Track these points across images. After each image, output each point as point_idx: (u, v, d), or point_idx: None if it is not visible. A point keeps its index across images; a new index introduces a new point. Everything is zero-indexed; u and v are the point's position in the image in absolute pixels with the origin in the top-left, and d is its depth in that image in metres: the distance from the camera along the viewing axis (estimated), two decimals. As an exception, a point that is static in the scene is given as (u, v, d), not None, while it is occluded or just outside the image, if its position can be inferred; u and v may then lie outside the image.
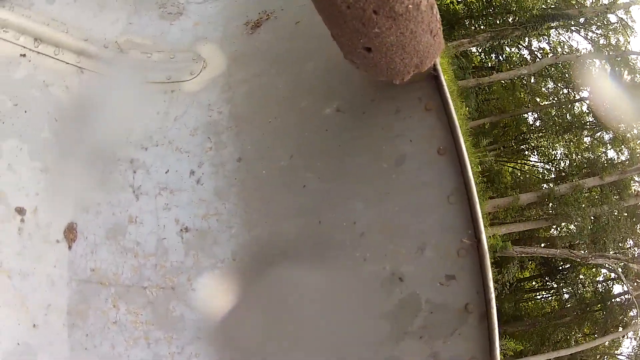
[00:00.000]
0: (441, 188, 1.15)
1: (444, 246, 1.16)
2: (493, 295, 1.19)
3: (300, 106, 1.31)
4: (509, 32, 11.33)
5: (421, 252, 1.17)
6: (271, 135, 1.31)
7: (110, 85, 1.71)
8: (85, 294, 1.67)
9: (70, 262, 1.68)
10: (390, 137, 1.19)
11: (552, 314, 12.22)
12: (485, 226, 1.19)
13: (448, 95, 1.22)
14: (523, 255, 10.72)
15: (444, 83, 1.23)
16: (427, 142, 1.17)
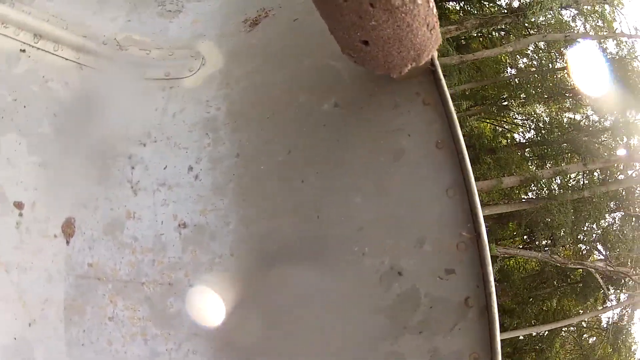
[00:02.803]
0: (440, 182, 1.15)
1: (443, 240, 1.16)
2: (493, 289, 1.19)
3: (298, 102, 1.31)
4: (499, 19, 10.82)
5: (420, 246, 1.17)
6: (269, 131, 1.31)
7: (109, 82, 1.71)
8: (82, 290, 1.67)
9: (67, 257, 1.68)
10: (388, 131, 1.19)
11: (532, 282, 11.92)
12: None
13: (446, 89, 1.22)
14: (506, 257, 10.67)
15: (442, 77, 1.23)
16: (425, 136, 1.17)
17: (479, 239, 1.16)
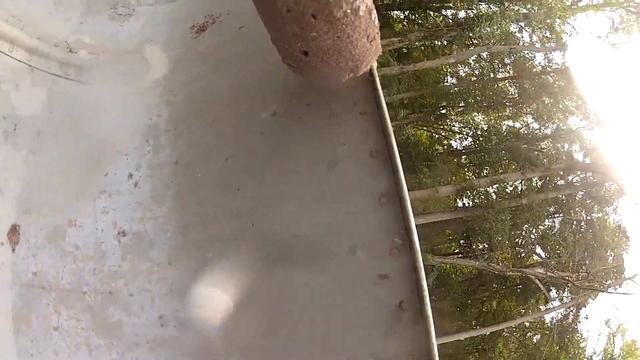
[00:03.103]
0: (373, 189, 1.17)
1: (376, 246, 1.18)
2: (427, 293, 1.21)
3: (239, 110, 1.31)
4: (443, 32, 10.65)
5: (353, 253, 1.18)
6: (208, 138, 1.31)
7: (55, 85, 1.68)
8: (27, 298, 1.62)
9: (13, 265, 1.63)
10: (324, 140, 1.21)
11: (471, 286, 11.90)
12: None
13: (383, 99, 1.24)
14: (442, 264, 10.59)
15: (379, 88, 1.25)
16: (360, 145, 1.19)
17: (411, 246, 1.18)
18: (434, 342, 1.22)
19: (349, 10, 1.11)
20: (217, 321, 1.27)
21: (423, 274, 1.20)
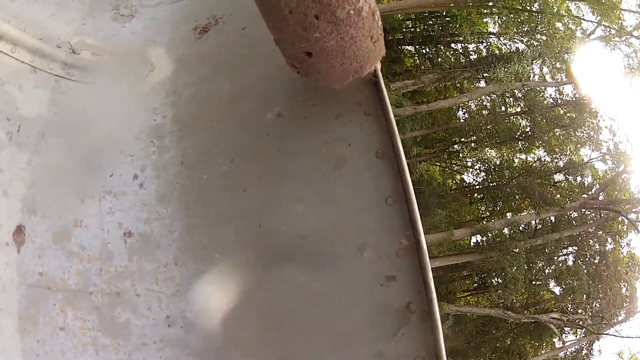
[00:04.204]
0: (379, 190, 1.17)
1: (383, 247, 1.18)
2: (434, 294, 1.22)
3: (243, 111, 1.31)
4: (457, 73, 10.66)
5: (360, 254, 1.19)
6: (213, 139, 1.31)
7: (58, 86, 1.68)
8: (34, 299, 1.63)
9: (19, 266, 1.64)
10: (330, 141, 1.21)
11: (485, 325, 11.80)
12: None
13: (387, 100, 1.24)
14: (458, 312, 10.43)
15: (384, 89, 1.25)
16: (365, 146, 1.19)
17: (418, 246, 1.18)
18: (442, 343, 1.23)
19: (352, 11, 1.11)
20: (224, 322, 1.28)
21: (430, 274, 1.20)
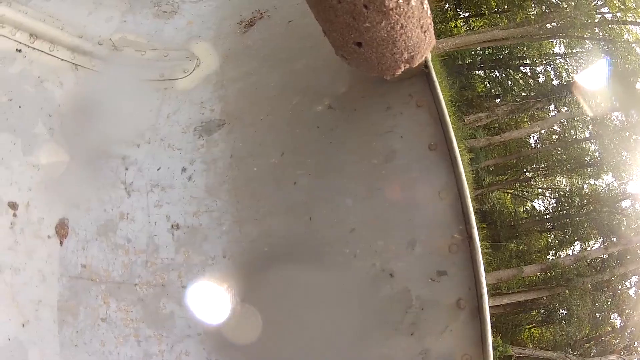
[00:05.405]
0: (432, 184, 1.15)
1: (434, 242, 1.16)
2: (485, 291, 1.19)
3: (292, 103, 1.31)
4: (530, 104, 10.59)
5: (412, 248, 1.17)
6: (262, 132, 1.31)
7: (103, 83, 1.71)
8: (75, 290, 1.66)
9: (61, 258, 1.67)
10: (380, 133, 1.20)
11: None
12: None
13: (439, 91, 1.22)
14: (521, 355, 10.28)
15: (435, 79, 1.23)
16: (417, 138, 1.18)
17: (471, 242, 1.16)
18: (490, 342, 1.19)
19: (401, 0, 1.09)
20: (270, 316, 1.28)
21: (482, 270, 1.17)
